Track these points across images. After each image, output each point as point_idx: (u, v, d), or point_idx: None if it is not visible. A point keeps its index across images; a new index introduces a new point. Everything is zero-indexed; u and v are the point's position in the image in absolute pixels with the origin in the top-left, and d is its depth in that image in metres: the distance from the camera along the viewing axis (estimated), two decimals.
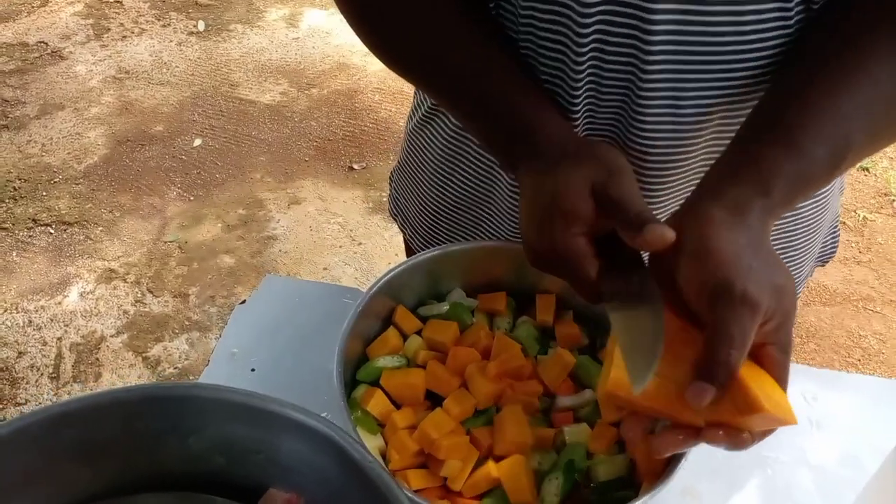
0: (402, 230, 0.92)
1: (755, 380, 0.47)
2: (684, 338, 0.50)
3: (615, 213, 0.52)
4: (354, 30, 0.68)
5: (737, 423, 0.48)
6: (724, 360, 0.46)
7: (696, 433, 0.49)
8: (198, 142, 2.50)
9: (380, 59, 0.68)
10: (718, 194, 0.51)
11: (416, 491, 0.57)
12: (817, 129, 0.52)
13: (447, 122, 0.77)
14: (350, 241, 2.18)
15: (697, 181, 0.55)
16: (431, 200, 0.84)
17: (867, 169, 2.48)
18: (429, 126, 0.80)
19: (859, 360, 1.96)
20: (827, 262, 0.89)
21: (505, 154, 0.62)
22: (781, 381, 0.49)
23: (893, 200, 2.37)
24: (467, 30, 0.63)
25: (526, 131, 0.59)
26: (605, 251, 0.54)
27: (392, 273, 0.66)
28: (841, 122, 0.53)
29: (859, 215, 2.32)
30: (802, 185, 0.53)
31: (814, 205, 0.77)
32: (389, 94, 2.65)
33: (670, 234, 0.49)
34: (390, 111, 2.61)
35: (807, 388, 0.72)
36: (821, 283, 2.12)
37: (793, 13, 0.57)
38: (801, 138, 0.52)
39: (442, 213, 0.83)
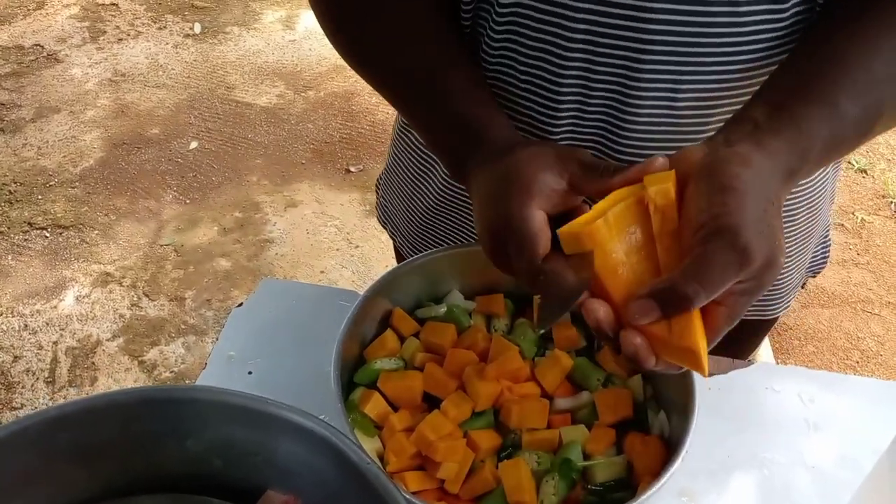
0: (392, 237, 0.92)
1: (698, 319, 0.46)
2: (668, 245, 0.48)
3: (585, 174, 0.51)
4: (323, 28, 0.68)
5: (657, 339, 0.47)
6: (689, 294, 0.44)
7: (616, 322, 0.48)
8: (194, 144, 2.49)
9: (343, 56, 0.68)
10: (758, 142, 0.49)
11: (413, 493, 0.57)
12: (854, 90, 0.52)
13: None
14: (347, 243, 2.18)
15: None
16: (417, 207, 0.83)
17: (865, 171, 2.48)
18: (410, 132, 0.80)
19: (857, 363, 1.96)
20: (818, 272, 0.88)
21: (452, 157, 0.62)
22: (710, 340, 0.47)
23: (891, 202, 2.38)
24: (424, 29, 0.63)
25: (474, 133, 0.58)
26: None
27: (389, 275, 0.66)
28: (875, 85, 0.52)
29: (857, 217, 2.32)
30: (834, 149, 0.52)
31: (806, 212, 0.76)
32: None
33: (661, 160, 0.48)
34: (387, 113, 2.61)
35: (804, 390, 0.72)
36: (819, 286, 2.12)
37: (788, 8, 0.57)
38: (839, 98, 0.51)
39: (427, 218, 0.83)
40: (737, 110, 0.62)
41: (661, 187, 0.47)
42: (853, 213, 2.34)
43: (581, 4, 0.57)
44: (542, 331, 0.46)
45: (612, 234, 0.48)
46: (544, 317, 0.48)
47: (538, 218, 0.51)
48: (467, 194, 0.75)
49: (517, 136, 0.59)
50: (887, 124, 0.56)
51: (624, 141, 0.64)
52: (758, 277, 0.46)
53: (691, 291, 0.44)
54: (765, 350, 1.83)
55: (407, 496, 0.53)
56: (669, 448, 0.60)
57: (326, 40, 0.68)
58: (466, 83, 0.61)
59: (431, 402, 0.63)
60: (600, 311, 0.48)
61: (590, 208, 0.50)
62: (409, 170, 0.82)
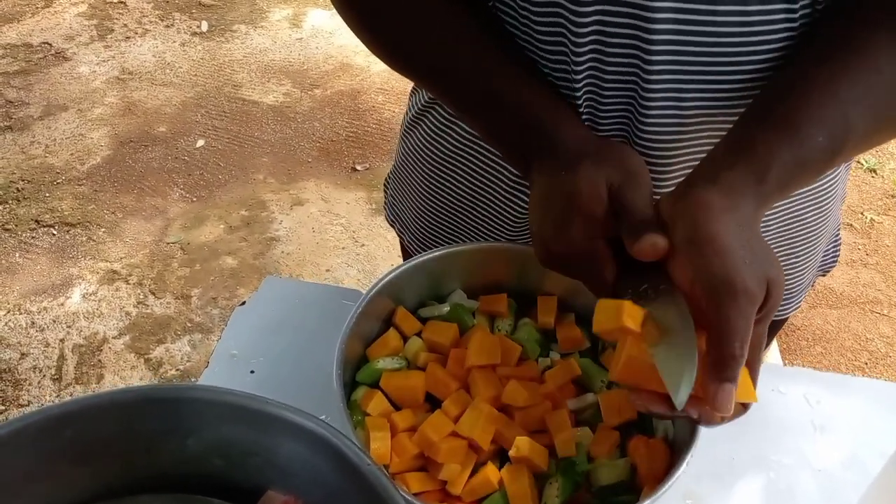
0: (400, 236, 0.92)
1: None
2: None
3: (621, 218, 0.52)
4: (355, 32, 0.67)
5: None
6: (737, 353, 0.46)
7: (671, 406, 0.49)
8: (201, 142, 2.50)
9: (384, 61, 0.67)
10: (713, 179, 0.50)
11: (415, 494, 0.57)
12: (815, 113, 0.52)
13: (437, 124, 0.76)
14: (353, 242, 2.18)
15: None
16: (427, 204, 0.83)
17: (874, 171, 2.47)
18: (420, 128, 0.79)
19: (866, 364, 1.95)
20: (828, 271, 0.88)
21: (516, 151, 0.61)
22: (752, 370, 0.51)
23: None
24: (474, 28, 0.62)
25: (542, 128, 0.58)
26: (620, 252, 0.53)
27: (392, 274, 0.66)
28: (840, 106, 0.52)
29: (866, 217, 2.31)
30: (799, 171, 0.52)
31: (815, 213, 0.76)
32: (393, 94, 2.65)
33: (662, 243, 0.49)
34: (394, 112, 2.60)
35: (810, 392, 0.72)
36: (827, 286, 2.11)
37: (798, 9, 0.57)
38: (797, 122, 0.52)
39: (438, 216, 0.83)
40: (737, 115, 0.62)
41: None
42: (862, 213, 2.32)
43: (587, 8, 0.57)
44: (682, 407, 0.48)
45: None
46: (679, 389, 0.48)
47: (600, 247, 0.54)
48: (497, 192, 0.75)
49: (584, 135, 0.58)
50: (864, 143, 0.56)
51: (638, 138, 0.64)
52: (768, 300, 0.48)
53: (738, 350, 0.46)
54: (772, 351, 1.82)
55: (408, 497, 0.53)
56: (674, 451, 0.59)
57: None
58: (524, 74, 0.61)
59: (434, 402, 0.63)
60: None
61: None
62: (424, 167, 0.81)
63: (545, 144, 0.57)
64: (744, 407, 0.51)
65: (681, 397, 0.47)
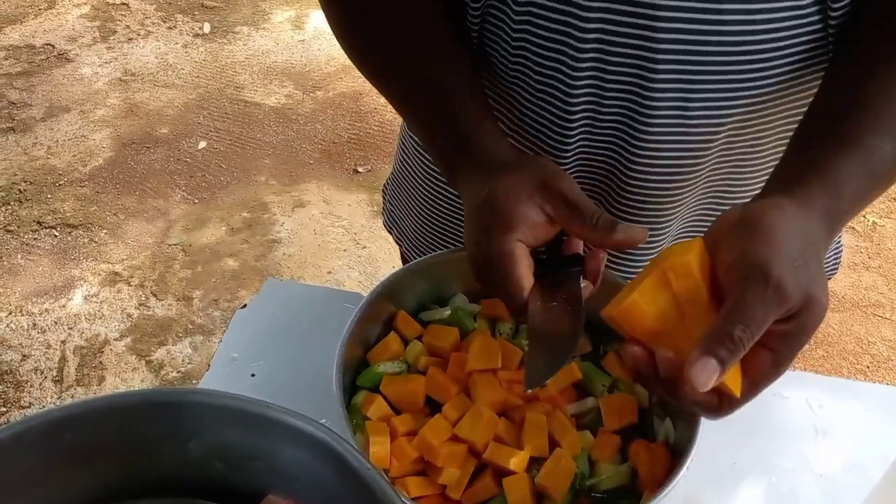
0: (398, 243, 0.92)
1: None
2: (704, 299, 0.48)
3: (568, 214, 0.52)
4: (332, 27, 0.68)
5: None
6: (736, 336, 0.43)
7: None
8: (202, 144, 2.50)
9: (350, 58, 0.68)
10: (788, 192, 0.49)
11: (414, 498, 0.57)
12: (876, 124, 0.52)
13: None
14: (354, 244, 2.18)
15: (704, 206, 0.54)
16: (425, 211, 0.83)
17: None
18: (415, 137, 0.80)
19: (868, 367, 1.94)
20: (830, 277, 0.88)
21: (444, 163, 0.63)
22: (755, 387, 0.48)
23: None
24: (434, 35, 0.63)
25: (464, 142, 0.59)
26: (539, 273, 0.53)
27: (393, 277, 0.66)
28: None
29: (868, 220, 2.31)
30: (870, 184, 0.52)
31: None
32: None
33: (641, 234, 0.49)
34: (395, 114, 2.59)
35: (812, 396, 0.71)
36: (829, 289, 2.08)
37: (806, 18, 0.56)
38: (861, 136, 0.51)
39: (436, 223, 0.83)
40: (743, 128, 0.62)
41: (680, 261, 0.47)
42: (864, 217, 2.32)
43: (593, 4, 0.57)
44: (529, 391, 0.46)
45: (647, 308, 0.48)
46: (532, 375, 0.47)
47: (516, 250, 0.52)
48: None
49: (506, 149, 0.59)
50: None
51: (638, 153, 0.63)
52: (800, 316, 0.45)
53: (738, 333, 0.44)
54: None
55: (407, 502, 0.53)
56: (675, 455, 0.59)
57: (335, 41, 0.69)
58: (461, 86, 0.62)
59: (435, 406, 0.63)
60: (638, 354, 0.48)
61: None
62: (419, 175, 0.81)
63: (466, 157, 0.58)
64: (728, 405, 0.49)
65: (529, 383, 0.46)
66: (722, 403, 0.48)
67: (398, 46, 0.64)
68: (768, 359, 0.47)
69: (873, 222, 2.30)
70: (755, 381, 0.47)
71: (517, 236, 0.52)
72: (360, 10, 0.66)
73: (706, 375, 0.43)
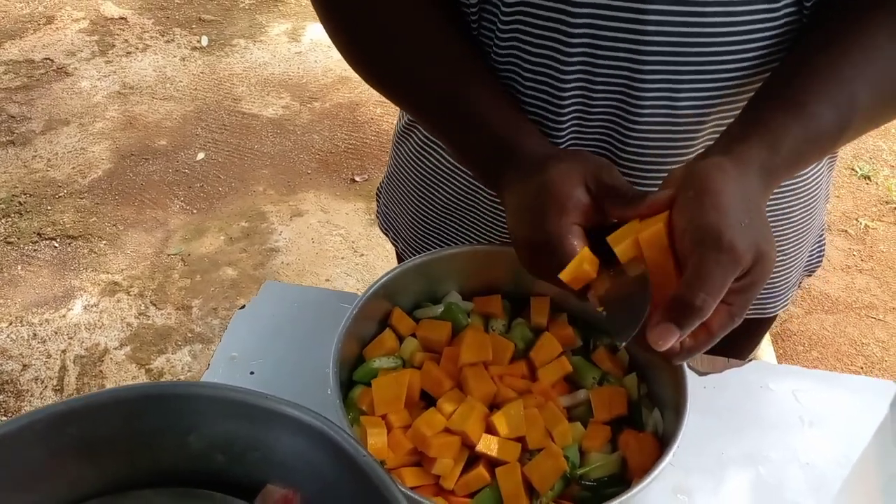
0: (394, 244, 0.93)
1: None
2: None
3: (611, 197, 0.54)
4: (334, 42, 0.68)
5: None
6: (697, 303, 0.46)
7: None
8: (201, 155, 2.52)
9: (358, 73, 0.69)
10: (726, 150, 0.52)
11: (410, 488, 0.58)
12: (821, 90, 0.54)
13: (423, 132, 0.78)
14: (352, 252, 2.20)
15: None
16: (420, 211, 0.84)
17: (869, 177, 2.49)
18: (412, 137, 0.81)
19: (862, 368, 1.96)
20: (814, 271, 0.90)
21: (485, 170, 0.63)
22: (712, 339, 0.51)
23: (895, 208, 2.38)
24: (444, 43, 0.64)
25: (507, 146, 0.60)
26: (596, 250, 0.55)
27: (389, 276, 0.68)
28: (845, 84, 0.55)
29: (861, 223, 2.33)
30: (809, 147, 0.54)
31: (801, 212, 0.77)
32: (391, 107, 2.67)
33: (670, 195, 0.51)
34: (392, 124, 2.63)
35: (799, 388, 0.73)
36: (823, 292, 2.12)
37: (780, 11, 0.59)
38: (804, 100, 0.54)
39: (432, 223, 0.84)
40: (728, 115, 0.64)
41: (652, 230, 0.51)
42: (857, 220, 2.34)
43: (581, 0, 0.59)
44: (625, 344, 0.49)
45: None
46: (622, 331, 0.50)
47: (577, 233, 0.54)
48: (487, 195, 0.77)
49: (547, 145, 0.61)
50: (872, 118, 0.58)
51: (628, 143, 0.65)
52: (751, 273, 0.48)
53: (699, 301, 0.47)
54: (767, 355, 1.83)
55: (402, 488, 0.54)
56: (663, 445, 0.60)
57: (332, 52, 0.70)
58: (487, 90, 0.63)
59: (430, 400, 0.64)
60: None
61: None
62: (415, 176, 0.82)
63: (511, 162, 0.59)
64: (686, 352, 0.51)
65: (622, 337, 0.49)
66: (682, 350, 0.51)
67: (416, 63, 0.64)
68: (725, 312, 0.50)
69: (866, 225, 2.32)
70: (713, 332, 0.51)
71: (572, 219, 0.54)
72: (368, 34, 0.66)
73: (664, 340, 0.47)
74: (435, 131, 0.68)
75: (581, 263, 0.53)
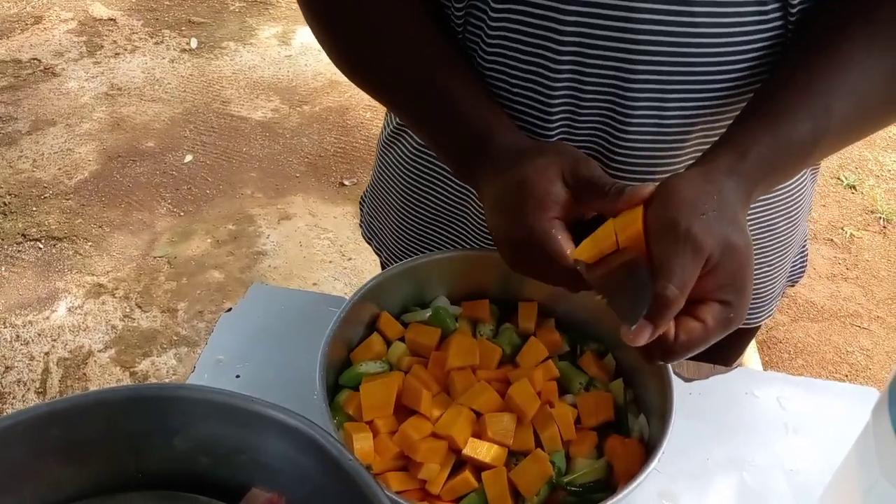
0: (377, 254, 0.93)
1: None
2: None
3: (590, 191, 0.54)
4: (319, 40, 0.69)
5: None
6: (667, 294, 0.47)
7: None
8: (189, 158, 2.51)
9: (342, 69, 0.69)
10: (699, 161, 0.55)
11: (396, 493, 0.58)
12: (796, 101, 0.55)
13: (415, 139, 0.78)
14: (340, 256, 2.19)
15: None
16: (405, 219, 0.84)
17: (854, 187, 2.51)
18: (398, 143, 0.81)
19: (846, 376, 1.97)
20: (797, 281, 0.90)
21: (461, 163, 0.63)
22: (714, 336, 0.51)
23: (880, 218, 2.40)
24: (427, 38, 0.64)
25: (483, 139, 0.60)
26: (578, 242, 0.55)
27: (377, 280, 0.67)
28: (819, 97, 0.56)
29: (846, 232, 2.35)
30: (783, 155, 0.55)
31: (785, 223, 0.78)
32: (380, 111, 2.67)
33: (648, 188, 0.51)
34: (381, 128, 2.63)
35: (782, 394, 0.73)
36: (808, 300, 2.14)
37: (769, 14, 0.59)
38: (778, 109, 0.55)
39: (417, 230, 0.84)
40: (715, 123, 0.64)
41: (630, 232, 0.52)
42: (842, 229, 2.36)
43: (571, 7, 0.59)
44: (633, 327, 0.49)
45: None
46: (629, 314, 0.50)
47: (559, 227, 0.54)
48: (477, 204, 0.77)
49: (524, 139, 0.61)
50: (848, 130, 0.59)
51: (616, 152, 0.66)
52: (726, 263, 0.49)
53: (669, 292, 0.47)
54: (754, 362, 1.84)
55: (389, 494, 0.54)
56: (649, 450, 0.61)
57: (322, 56, 0.70)
58: (466, 85, 0.63)
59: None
60: None
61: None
62: (403, 183, 0.82)
63: (485, 156, 0.59)
64: (675, 351, 0.51)
65: (630, 321, 0.49)
66: (676, 345, 0.51)
67: (396, 56, 0.65)
68: (717, 307, 0.50)
69: (851, 234, 2.34)
70: (708, 326, 0.51)
71: (552, 214, 0.54)
72: (342, 15, 0.67)
73: (637, 336, 0.48)
74: (413, 124, 0.69)
75: (599, 241, 0.53)
